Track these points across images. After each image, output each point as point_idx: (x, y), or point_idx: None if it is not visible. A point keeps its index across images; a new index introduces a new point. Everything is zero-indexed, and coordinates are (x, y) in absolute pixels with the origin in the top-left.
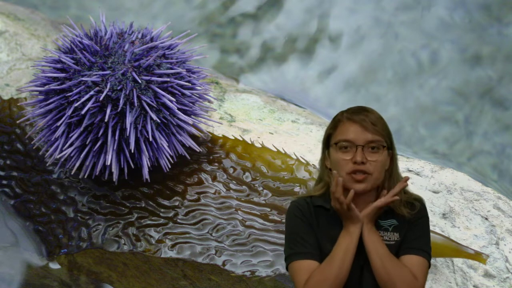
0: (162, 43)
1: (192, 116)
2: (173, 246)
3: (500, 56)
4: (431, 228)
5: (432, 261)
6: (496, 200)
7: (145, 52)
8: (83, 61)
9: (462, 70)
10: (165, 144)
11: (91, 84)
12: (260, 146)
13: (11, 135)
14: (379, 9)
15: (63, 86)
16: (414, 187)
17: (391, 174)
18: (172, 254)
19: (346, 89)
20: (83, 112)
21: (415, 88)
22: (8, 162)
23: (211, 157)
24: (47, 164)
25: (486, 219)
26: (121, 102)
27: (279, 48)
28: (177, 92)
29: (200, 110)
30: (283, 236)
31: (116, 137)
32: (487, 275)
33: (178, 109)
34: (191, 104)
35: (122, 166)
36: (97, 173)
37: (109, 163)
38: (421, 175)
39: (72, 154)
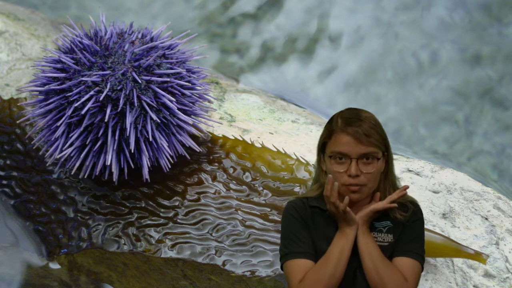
0: (162, 43)
1: (192, 116)
2: (173, 246)
3: (500, 56)
4: (431, 228)
5: (432, 261)
6: (496, 200)
7: (145, 52)
8: (83, 61)
9: (462, 70)
10: (165, 144)
11: (91, 84)
12: (260, 146)
13: (11, 135)
14: (379, 9)
15: (63, 86)
16: (414, 187)
17: (386, 175)
18: (172, 254)
19: (346, 89)
20: (83, 112)
21: (415, 88)
22: (8, 162)
23: (211, 157)
24: (47, 164)
25: (486, 219)
26: (121, 102)
27: (279, 48)
28: (177, 92)
29: (200, 110)
30: None
31: (116, 137)
32: (487, 275)
33: (178, 109)
34: (191, 104)
35: (122, 166)
36: (97, 173)
37: (109, 163)
38: (421, 175)
39: (72, 154)
